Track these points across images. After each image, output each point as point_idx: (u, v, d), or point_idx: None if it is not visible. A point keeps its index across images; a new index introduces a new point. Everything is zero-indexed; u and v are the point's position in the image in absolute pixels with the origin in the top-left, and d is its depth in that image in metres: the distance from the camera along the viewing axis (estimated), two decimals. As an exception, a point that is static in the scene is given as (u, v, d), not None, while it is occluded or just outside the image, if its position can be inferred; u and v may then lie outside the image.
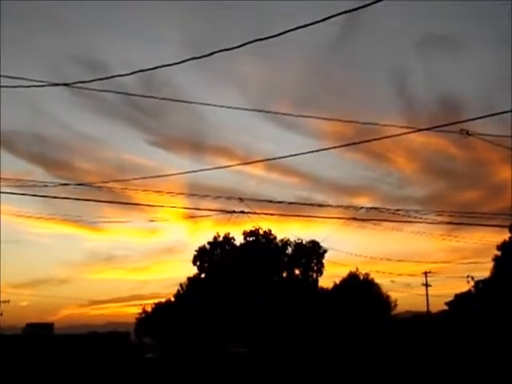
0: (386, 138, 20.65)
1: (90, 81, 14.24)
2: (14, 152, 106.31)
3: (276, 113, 29.39)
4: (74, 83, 14.29)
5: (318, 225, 49.46)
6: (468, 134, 20.32)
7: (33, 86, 13.82)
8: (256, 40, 11.31)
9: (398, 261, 74.68)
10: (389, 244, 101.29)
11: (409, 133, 20.88)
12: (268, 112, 26.22)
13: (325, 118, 28.19)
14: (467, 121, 18.23)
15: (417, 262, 76.99)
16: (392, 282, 62.45)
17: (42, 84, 13.83)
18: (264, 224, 57.79)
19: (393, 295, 65.24)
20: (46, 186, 21.22)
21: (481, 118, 16.17)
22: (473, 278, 50.17)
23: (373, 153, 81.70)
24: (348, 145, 25.47)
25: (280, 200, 24.80)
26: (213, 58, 11.45)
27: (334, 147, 24.59)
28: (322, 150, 22.02)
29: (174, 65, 12.00)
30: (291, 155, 21.87)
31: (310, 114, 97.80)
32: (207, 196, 25.71)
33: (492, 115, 15.67)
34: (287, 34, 10.27)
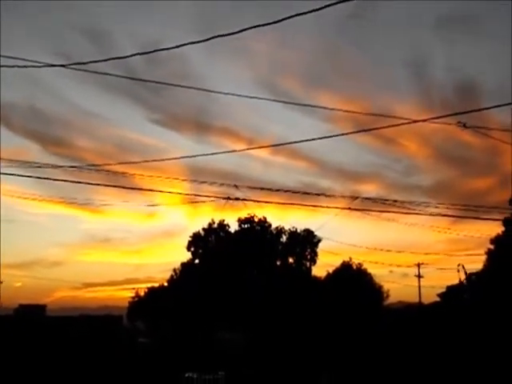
0: (391, 126, 20.40)
1: (88, 62, 14.19)
2: (8, 126, 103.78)
3: (288, 102, 28.52)
4: (72, 64, 14.25)
5: (315, 213, 49.47)
6: (465, 126, 20.33)
7: (30, 66, 13.75)
8: (255, 26, 11.25)
9: (390, 251, 74.60)
10: (385, 234, 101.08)
11: (407, 123, 20.78)
12: (283, 102, 25.78)
13: (332, 109, 28.01)
14: (467, 112, 18.10)
15: (412, 253, 76.86)
16: (390, 272, 63.01)
17: (39, 65, 13.75)
18: (262, 211, 57.83)
19: (386, 286, 65.63)
20: (39, 167, 21.05)
21: (476, 110, 16.19)
22: (463, 266, 50.28)
23: (383, 137, 78.98)
24: (359, 131, 25.28)
25: (280, 188, 24.69)
26: (224, 31, 11.36)
27: (346, 133, 24.42)
28: (332, 136, 21.66)
29: (171, 49, 11.95)
30: (300, 141, 21.49)
31: (321, 94, 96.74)
32: (205, 181, 25.61)
33: (491, 108, 15.64)
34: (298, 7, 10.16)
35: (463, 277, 50.18)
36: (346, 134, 25.03)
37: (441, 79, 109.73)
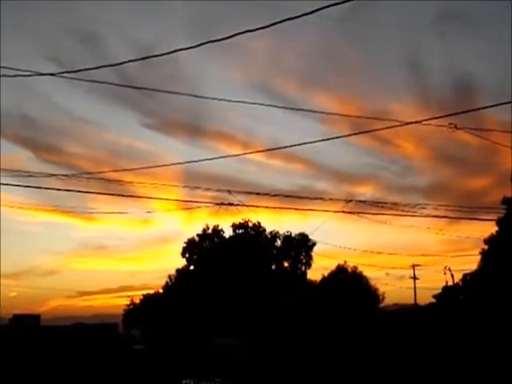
0: (387, 128, 20.36)
1: (79, 70, 14.14)
2: None
3: (280, 107, 27.83)
4: (62, 72, 14.19)
5: (309, 217, 49.30)
6: (456, 127, 20.34)
7: (19, 75, 13.68)
8: (246, 31, 11.23)
9: (385, 253, 74.68)
10: (380, 237, 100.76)
11: (401, 125, 20.79)
12: (275, 106, 25.50)
13: (328, 113, 28.04)
14: (462, 112, 18.04)
15: (407, 255, 76.71)
16: (387, 274, 63.26)
17: (28, 74, 13.69)
18: (257, 215, 57.68)
19: (381, 288, 65.63)
20: (31, 176, 20.90)
21: (469, 111, 16.19)
22: (450, 269, 50.66)
23: (380, 138, 77.22)
24: (354, 134, 25.16)
25: (275, 191, 24.69)
26: (216, 33, 11.33)
27: (342, 136, 24.42)
28: (329, 139, 21.53)
29: (163, 55, 11.92)
30: (296, 145, 21.39)
31: (317, 94, 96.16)
32: (200, 187, 25.52)
33: (485, 108, 15.64)
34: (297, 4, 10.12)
35: (450, 279, 50.59)
36: (342, 136, 25.16)
37: (438, 78, 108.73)
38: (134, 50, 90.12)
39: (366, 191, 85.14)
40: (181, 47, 11.95)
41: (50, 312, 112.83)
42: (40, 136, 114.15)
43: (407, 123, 21.02)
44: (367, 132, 21.41)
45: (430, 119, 19.29)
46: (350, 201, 27.54)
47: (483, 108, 17.26)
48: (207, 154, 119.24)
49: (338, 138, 23.76)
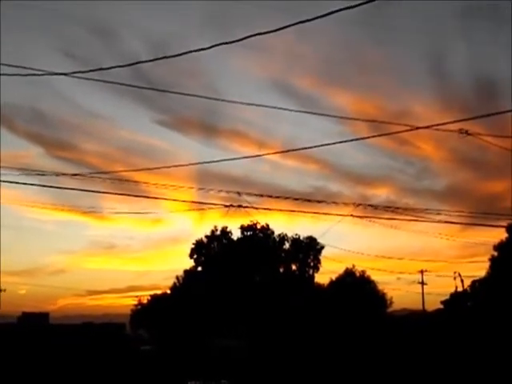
0: (404, 131, 20.24)
1: (90, 70, 14.18)
2: (10, 129, 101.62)
3: (294, 110, 27.18)
4: (73, 73, 14.25)
5: (320, 220, 48.98)
6: (467, 133, 20.19)
7: (31, 74, 13.76)
8: (256, 34, 11.22)
9: (394, 258, 74.24)
10: (390, 241, 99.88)
11: (411, 130, 20.66)
12: (316, 114, 25.45)
13: (342, 117, 27.84)
14: (469, 119, 17.90)
15: (416, 260, 75.97)
16: (398, 279, 63.06)
17: (40, 73, 13.75)
18: (268, 217, 57.51)
19: (389, 293, 65.38)
20: (43, 174, 20.96)
21: (476, 118, 16.06)
22: (460, 274, 50.40)
23: (397, 138, 75.24)
24: (372, 137, 24.98)
25: (288, 193, 24.62)
26: (232, 28, 11.30)
27: (359, 139, 24.34)
28: (346, 141, 21.39)
29: (172, 57, 11.94)
30: (312, 147, 21.27)
31: (335, 93, 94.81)
32: (211, 189, 25.48)
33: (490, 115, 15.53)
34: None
35: (460, 284, 50.32)
36: (359, 139, 24.96)
37: (460, 78, 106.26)
38: (150, 44, 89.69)
39: (381, 193, 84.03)
40: (195, 43, 12.12)
41: (59, 310, 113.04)
42: (51, 132, 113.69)
43: (418, 128, 20.88)
44: (383, 135, 21.24)
45: (443, 124, 19.09)
46: (359, 205, 27.40)
47: (498, 113, 17.09)
48: (221, 153, 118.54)
49: (355, 140, 23.61)
